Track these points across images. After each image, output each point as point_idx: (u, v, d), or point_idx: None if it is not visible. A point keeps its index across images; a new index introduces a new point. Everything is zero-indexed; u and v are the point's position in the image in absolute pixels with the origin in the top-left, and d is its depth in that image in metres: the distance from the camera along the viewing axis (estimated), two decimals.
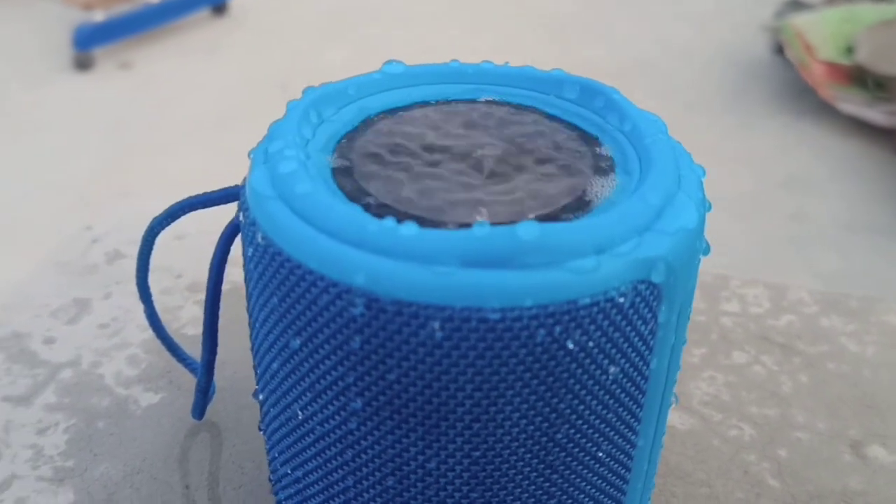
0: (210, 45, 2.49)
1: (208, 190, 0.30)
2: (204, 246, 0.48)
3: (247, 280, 0.27)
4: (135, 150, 1.97)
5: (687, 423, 0.39)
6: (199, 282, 0.46)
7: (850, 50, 2.14)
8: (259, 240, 0.24)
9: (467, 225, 0.23)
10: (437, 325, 0.22)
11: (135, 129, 2.07)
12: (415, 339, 0.22)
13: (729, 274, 0.49)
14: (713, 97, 2.32)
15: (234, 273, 0.45)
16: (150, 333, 0.42)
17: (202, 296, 0.45)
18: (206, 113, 2.13)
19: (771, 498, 0.35)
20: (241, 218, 0.26)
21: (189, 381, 0.40)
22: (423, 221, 0.23)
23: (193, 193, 0.31)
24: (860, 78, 2.10)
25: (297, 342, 0.24)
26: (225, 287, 0.44)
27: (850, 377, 0.42)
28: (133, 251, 0.48)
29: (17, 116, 2.11)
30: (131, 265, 0.47)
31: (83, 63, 2.30)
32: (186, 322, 0.43)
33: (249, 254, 0.25)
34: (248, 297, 0.27)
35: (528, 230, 0.22)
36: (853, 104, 2.08)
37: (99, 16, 2.31)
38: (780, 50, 2.38)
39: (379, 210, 0.24)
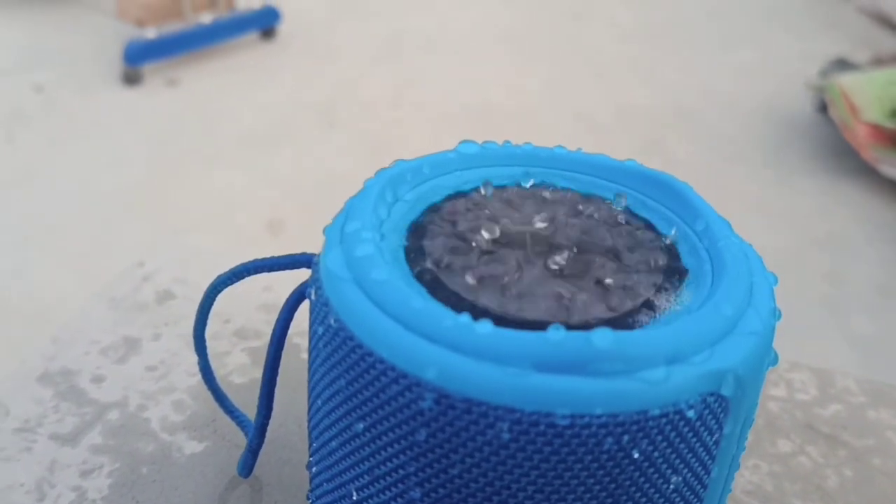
0: (256, 69, 2.53)
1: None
2: (253, 292, 0.49)
3: (312, 355, 0.27)
4: (178, 165, 2.00)
5: None
6: (247, 328, 0.46)
7: (895, 113, 2.12)
8: (331, 322, 0.24)
9: (541, 325, 0.23)
10: (505, 426, 0.22)
11: (178, 144, 2.10)
12: (481, 438, 0.22)
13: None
14: (753, 150, 2.31)
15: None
16: (196, 379, 0.43)
17: (250, 343, 0.45)
18: (247, 134, 2.16)
19: None
20: (312, 295, 0.26)
21: (233, 433, 0.40)
22: (496, 318, 0.23)
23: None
24: None
25: (360, 426, 0.24)
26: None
27: (895, 475, 0.41)
28: (183, 291, 0.48)
29: (65, 123, 2.15)
30: (181, 306, 0.47)
31: (131, 78, 2.34)
32: (233, 369, 0.44)
33: (320, 332, 0.25)
34: (311, 371, 0.27)
35: (603, 338, 0.22)
36: None
37: (151, 33, 2.36)
38: (823, 108, 2.37)
39: (449, 298, 0.24)
